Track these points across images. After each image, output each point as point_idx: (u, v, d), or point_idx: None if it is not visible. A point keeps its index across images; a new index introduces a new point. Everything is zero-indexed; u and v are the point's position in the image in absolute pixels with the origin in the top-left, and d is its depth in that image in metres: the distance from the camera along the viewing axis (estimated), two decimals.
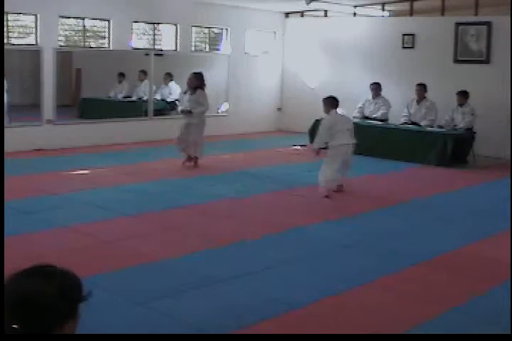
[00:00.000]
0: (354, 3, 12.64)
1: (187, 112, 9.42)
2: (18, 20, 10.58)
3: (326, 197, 7.73)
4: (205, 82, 9.56)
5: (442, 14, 11.94)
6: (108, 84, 13.01)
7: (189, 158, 9.57)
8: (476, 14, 11.48)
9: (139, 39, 12.15)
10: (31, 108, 11.00)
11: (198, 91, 9.40)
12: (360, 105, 11.64)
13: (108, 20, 11.38)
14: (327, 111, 8.07)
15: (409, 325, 4.07)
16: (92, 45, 11.60)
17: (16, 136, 10.08)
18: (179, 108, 10.01)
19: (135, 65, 12.70)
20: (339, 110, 8.19)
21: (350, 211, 7.20)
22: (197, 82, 9.41)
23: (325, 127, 7.99)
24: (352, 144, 8.03)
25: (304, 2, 11.52)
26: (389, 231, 6.33)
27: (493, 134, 10.98)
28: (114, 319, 4.03)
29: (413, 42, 12.12)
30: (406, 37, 12.18)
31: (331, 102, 8.12)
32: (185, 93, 9.76)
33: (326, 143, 7.96)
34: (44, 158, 9.93)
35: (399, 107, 11.30)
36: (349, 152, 8.05)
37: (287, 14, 14.05)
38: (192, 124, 9.48)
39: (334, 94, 12.87)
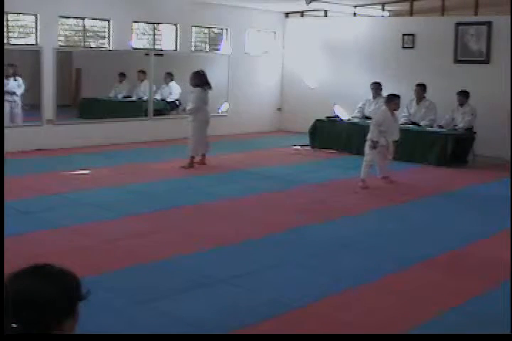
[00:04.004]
0: (354, 3, 12.64)
1: (183, 110, 9.62)
2: (18, 20, 10.57)
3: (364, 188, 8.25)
4: (207, 80, 9.54)
5: (442, 14, 11.94)
6: (108, 84, 13.01)
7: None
8: (476, 14, 11.48)
9: (139, 39, 12.14)
10: (31, 108, 11.00)
11: (194, 89, 9.47)
12: (360, 105, 11.64)
13: (108, 20, 11.38)
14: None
15: (409, 325, 4.07)
16: (92, 45, 11.60)
17: (16, 136, 10.08)
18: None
19: (135, 65, 12.70)
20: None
21: (350, 211, 7.20)
22: (194, 81, 9.46)
23: (373, 123, 8.55)
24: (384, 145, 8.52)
25: (304, 2, 11.52)
26: (389, 231, 6.33)
27: (493, 134, 10.98)
28: (114, 319, 4.03)
29: (413, 42, 12.12)
30: (406, 37, 12.18)
31: (385, 99, 8.85)
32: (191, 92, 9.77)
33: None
34: (44, 158, 9.94)
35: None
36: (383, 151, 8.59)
37: (287, 14, 14.05)
38: (189, 123, 9.56)
39: (334, 94, 13.02)
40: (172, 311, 4.17)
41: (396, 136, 8.60)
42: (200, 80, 9.46)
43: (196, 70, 9.64)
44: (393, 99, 8.60)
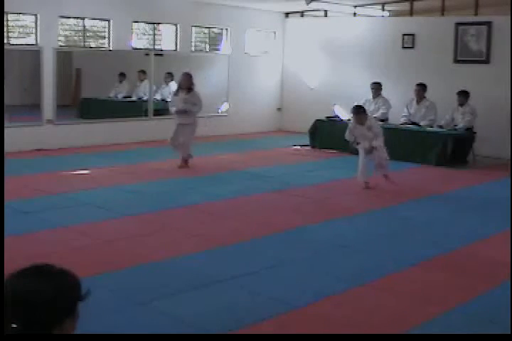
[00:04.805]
0: (354, 3, 12.65)
1: (183, 112, 9.36)
2: (18, 20, 10.57)
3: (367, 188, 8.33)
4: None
5: (442, 14, 11.94)
6: (108, 84, 13.01)
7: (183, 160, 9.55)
8: (476, 14, 11.48)
9: (139, 39, 12.14)
10: (31, 108, 11.00)
11: (193, 91, 9.40)
12: None
13: (108, 20, 11.39)
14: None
15: (409, 325, 4.07)
16: (92, 45, 11.60)
17: (16, 136, 10.08)
18: (172, 108, 9.57)
19: (135, 65, 12.71)
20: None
21: (350, 211, 7.19)
22: (190, 82, 9.41)
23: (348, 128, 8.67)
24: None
25: (304, 2, 11.53)
26: (389, 231, 6.33)
27: (493, 134, 10.99)
28: (115, 319, 4.03)
29: (413, 42, 12.12)
30: (406, 37, 12.19)
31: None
32: (176, 94, 9.50)
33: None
34: (44, 158, 9.94)
35: (399, 107, 11.30)
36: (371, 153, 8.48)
37: (287, 14, 14.06)
38: (186, 125, 9.44)
39: (334, 94, 13.03)
40: (172, 311, 4.17)
41: (375, 143, 8.29)
42: (192, 81, 9.44)
43: (187, 71, 9.55)
44: (355, 113, 8.38)
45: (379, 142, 8.34)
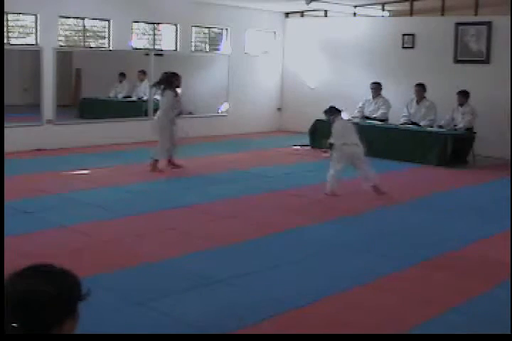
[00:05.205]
0: (354, 3, 12.64)
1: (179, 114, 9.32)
2: (18, 20, 10.57)
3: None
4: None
5: (442, 14, 11.94)
6: (108, 84, 13.01)
7: (174, 161, 9.37)
8: (476, 14, 11.48)
9: (139, 39, 12.14)
10: (31, 108, 11.00)
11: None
12: (360, 105, 11.64)
13: (108, 20, 11.38)
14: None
15: (409, 325, 4.07)
16: (92, 45, 11.59)
17: (16, 136, 10.08)
18: (175, 111, 9.10)
19: (135, 65, 12.70)
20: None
21: (350, 211, 7.19)
22: None
23: None
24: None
25: (304, 2, 11.53)
26: (389, 231, 6.33)
27: (493, 134, 10.98)
28: (114, 319, 4.03)
29: (413, 42, 12.12)
30: (406, 37, 12.18)
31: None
32: (176, 96, 9.16)
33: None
34: (44, 158, 9.94)
35: (399, 107, 11.30)
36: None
37: (287, 14, 14.06)
38: (174, 126, 9.21)
39: (334, 94, 13.04)
40: (172, 311, 4.17)
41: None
42: None
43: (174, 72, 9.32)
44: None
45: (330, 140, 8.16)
